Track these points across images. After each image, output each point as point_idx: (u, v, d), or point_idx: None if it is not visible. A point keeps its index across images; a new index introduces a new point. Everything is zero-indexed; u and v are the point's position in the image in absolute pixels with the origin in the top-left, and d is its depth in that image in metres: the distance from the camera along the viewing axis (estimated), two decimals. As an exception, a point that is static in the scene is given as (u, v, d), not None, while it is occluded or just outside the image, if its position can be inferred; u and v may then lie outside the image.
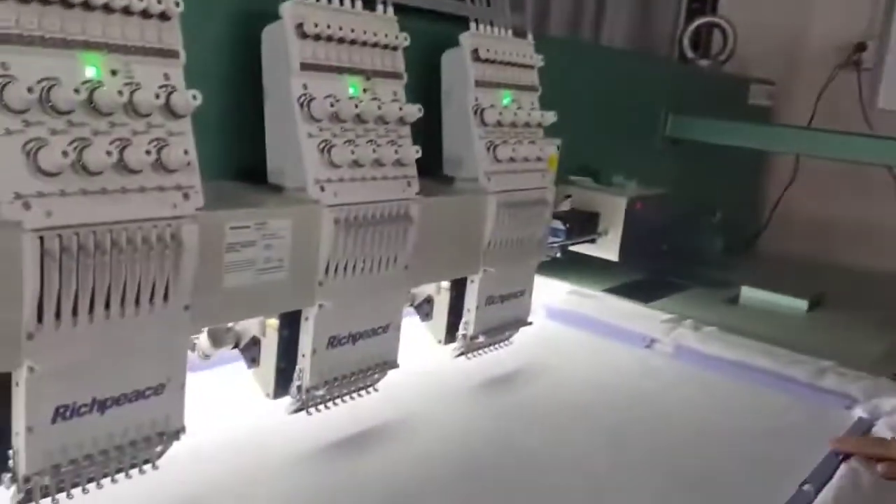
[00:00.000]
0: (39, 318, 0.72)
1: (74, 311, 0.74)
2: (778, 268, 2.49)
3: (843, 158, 1.97)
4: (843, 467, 1.04)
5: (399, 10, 1.17)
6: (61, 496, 0.78)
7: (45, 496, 0.76)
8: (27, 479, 0.74)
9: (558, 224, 1.61)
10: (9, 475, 0.75)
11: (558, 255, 1.63)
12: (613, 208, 1.67)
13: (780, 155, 2.73)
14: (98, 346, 0.76)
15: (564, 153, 1.64)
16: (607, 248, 1.69)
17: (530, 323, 1.43)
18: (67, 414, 0.76)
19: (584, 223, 1.65)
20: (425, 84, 1.24)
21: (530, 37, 1.36)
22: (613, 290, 1.81)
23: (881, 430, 1.20)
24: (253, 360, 1.04)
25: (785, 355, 1.41)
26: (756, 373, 1.40)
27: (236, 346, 1.04)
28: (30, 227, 0.70)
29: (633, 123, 2.01)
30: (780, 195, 2.73)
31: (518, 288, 1.39)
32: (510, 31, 1.32)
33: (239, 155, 1.05)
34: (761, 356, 1.41)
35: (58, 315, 0.73)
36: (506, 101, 1.30)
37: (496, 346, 1.39)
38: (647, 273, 2.05)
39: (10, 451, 0.75)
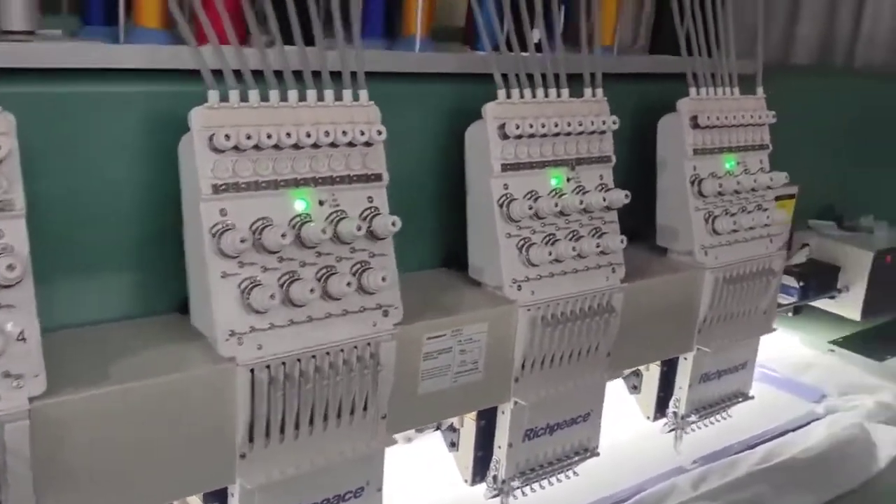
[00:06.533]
0: (251, 440, 0.79)
1: (282, 431, 0.80)
2: None
3: None
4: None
5: (614, 77, 1.13)
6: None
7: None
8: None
9: (791, 281, 1.47)
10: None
11: (790, 314, 1.50)
12: (857, 262, 1.50)
13: None
14: (302, 459, 0.82)
15: (806, 193, 1.49)
16: (848, 306, 1.52)
17: (752, 397, 1.33)
18: (277, 521, 0.83)
19: (821, 279, 1.50)
20: (640, 142, 1.19)
21: (760, 90, 1.25)
22: (846, 341, 1.62)
23: None
24: (452, 445, 1.07)
25: None
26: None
27: (438, 428, 1.08)
28: (242, 361, 0.76)
29: (888, 155, 1.77)
30: None
31: (738, 361, 1.30)
32: (736, 89, 1.21)
33: (445, 243, 1.07)
34: None
35: (267, 435, 0.79)
36: (729, 166, 1.21)
37: (712, 420, 1.31)
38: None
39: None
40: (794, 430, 1.28)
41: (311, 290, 0.77)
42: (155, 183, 0.82)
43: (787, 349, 1.53)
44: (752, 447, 1.22)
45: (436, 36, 1.09)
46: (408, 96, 1.00)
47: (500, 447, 1.03)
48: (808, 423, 1.29)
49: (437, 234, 1.07)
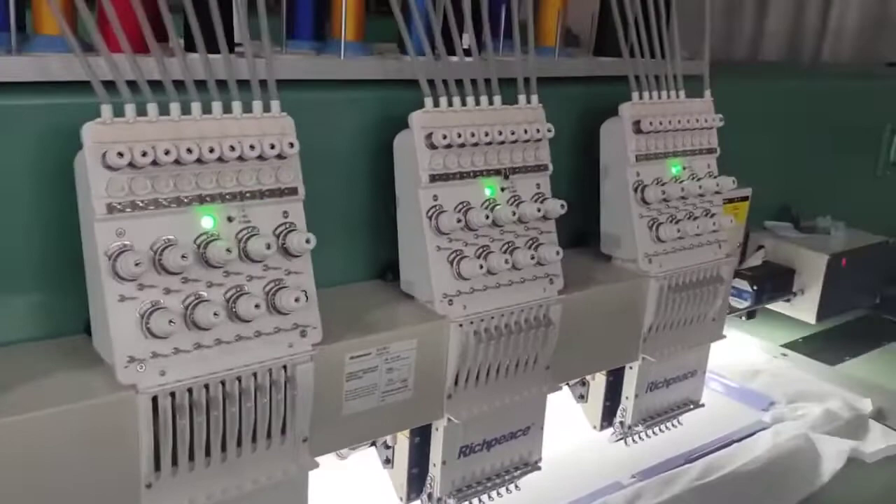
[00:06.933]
0: (157, 468, 0.75)
1: (191, 458, 0.77)
2: None
3: None
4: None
5: (553, 80, 1.10)
6: None
7: None
8: None
9: (744, 285, 1.44)
10: None
11: (742, 318, 1.48)
12: (812, 265, 1.48)
13: None
14: (214, 488, 0.79)
15: (762, 193, 1.47)
16: (804, 310, 1.50)
17: (702, 405, 1.31)
18: (188, 551, 0.79)
19: (775, 283, 1.47)
20: (587, 145, 1.16)
21: (708, 93, 1.22)
22: (801, 344, 1.60)
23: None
24: (387, 461, 1.03)
25: None
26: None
27: (373, 444, 1.04)
28: (143, 389, 0.72)
29: (847, 151, 1.75)
30: None
31: (687, 369, 1.27)
32: (682, 92, 1.18)
33: (381, 254, 1.03)
34: None
35: (175, 464, 0.76)
36: (674, 171, 1.18)
37: (661, 429, 1.28)
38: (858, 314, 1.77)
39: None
40: (739, 440, 1.24)
41: (215, 314, 0.74)
42: (58, 199, 0.78)
43: (739, 355, 1.50)
44: (694, 460, 1.18)
45: (387, 30, 1.05)
46: (337, 103, 0.97)
47: (434, 465, 1.00)
48: (754, 434, 1.26)
49: (373, 245, 1.03)
